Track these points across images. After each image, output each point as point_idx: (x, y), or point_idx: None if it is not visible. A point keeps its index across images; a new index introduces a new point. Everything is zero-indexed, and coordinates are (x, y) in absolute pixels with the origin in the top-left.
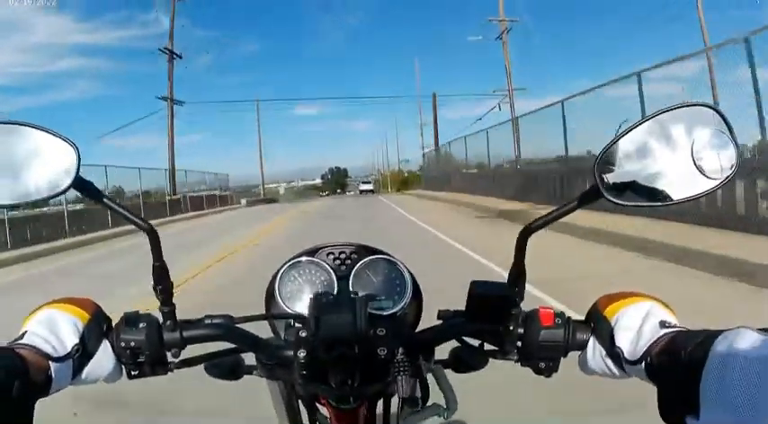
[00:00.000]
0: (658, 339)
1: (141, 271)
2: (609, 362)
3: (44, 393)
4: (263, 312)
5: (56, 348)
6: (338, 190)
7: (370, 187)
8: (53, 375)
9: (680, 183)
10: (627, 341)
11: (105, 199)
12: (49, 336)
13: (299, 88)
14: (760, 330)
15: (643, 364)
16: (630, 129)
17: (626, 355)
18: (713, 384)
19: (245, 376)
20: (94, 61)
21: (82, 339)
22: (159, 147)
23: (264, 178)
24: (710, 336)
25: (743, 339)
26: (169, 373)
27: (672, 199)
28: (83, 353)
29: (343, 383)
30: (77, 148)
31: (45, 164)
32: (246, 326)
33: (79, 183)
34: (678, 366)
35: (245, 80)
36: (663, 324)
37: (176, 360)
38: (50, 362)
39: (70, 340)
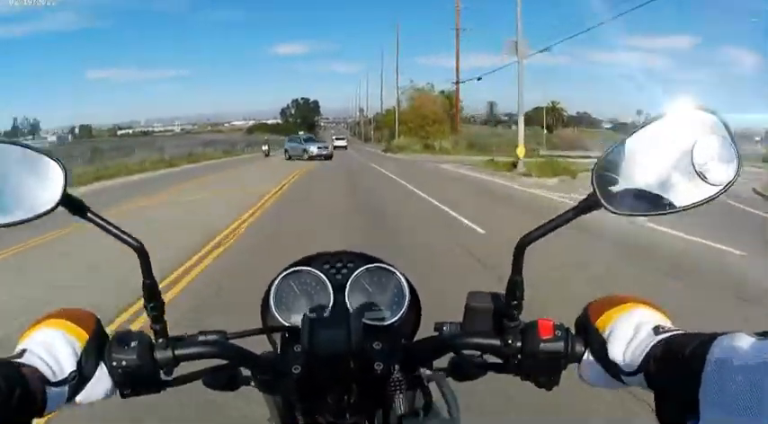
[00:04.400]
0: (654, 346)
1: None
2: (605, 374)
3: (38, 414)
4: (259, 323)
5: (54, 371)
6: (300, 132)
7: (343, 143)
8: (48, 398)
9: (681, 190)
10: (620, 353)
11: (92, 215)
12: (48, 358)
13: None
14: (757, 334)
15: (642, 374)
16: (631, 135)
17: (622, 367)
18: (713, 389)
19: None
20: None
21: (79, 363)
22: None
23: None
24: (707, 340)
25: (740, 343)
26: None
27: (674, 207)
28: (79, 378)
29: (340, 399)
30: (64, 165)
31: (31, 183)
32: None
33: (67, 200)
34: (676, 370)
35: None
36: (657, 330)
37: (170, 378)
38: (47, 386)
39: (68, 363)
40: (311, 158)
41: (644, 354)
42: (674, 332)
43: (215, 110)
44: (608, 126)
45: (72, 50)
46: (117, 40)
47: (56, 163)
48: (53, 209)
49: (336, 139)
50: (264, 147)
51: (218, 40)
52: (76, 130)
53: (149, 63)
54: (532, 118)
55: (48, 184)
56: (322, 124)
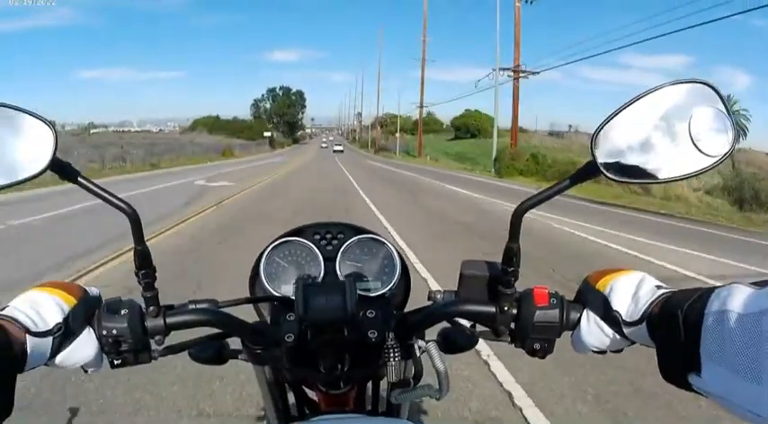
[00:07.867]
0: (656, 298)
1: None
2: (606, 329)
3: (19, 368)
4: (248, 294)
5: (36, 323)
6: (266, 134)
7: (340, 147)
8: (29, 350)
9: (678, 160)
10: (624, 304)
11: (82, 179)
12: (31, 312)
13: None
14: (752, 284)
15: (644, 324)
16: (628, 105)
17: (624, 317)
18: (713, 341)
19: (230, 361)
20: None
21: (66, 319)
22: None
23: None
24: (705, 293)
25: (737, 294)
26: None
27: (670, 176)
28: (64, 333)
29: (333, 367)
30: (54, 128)
31: (21, 146)
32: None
33: (56, 164)
34: (676, 324)
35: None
36: (659, 287)
37: (160, 348)
38: (28, 336)
39: (53, 318)
40: None
41: (646, 305)
42: (676, 289)
43: (206, 112)
44: None
45: (63, 49)
46: (108, 41)
47: (46, 126)
48: (41, 173)
49: (336, 144)
50: None
51: (212, 44)
52: None
53: (146, 64)
54: None
55: (36, 147)
56: (309, 129)
